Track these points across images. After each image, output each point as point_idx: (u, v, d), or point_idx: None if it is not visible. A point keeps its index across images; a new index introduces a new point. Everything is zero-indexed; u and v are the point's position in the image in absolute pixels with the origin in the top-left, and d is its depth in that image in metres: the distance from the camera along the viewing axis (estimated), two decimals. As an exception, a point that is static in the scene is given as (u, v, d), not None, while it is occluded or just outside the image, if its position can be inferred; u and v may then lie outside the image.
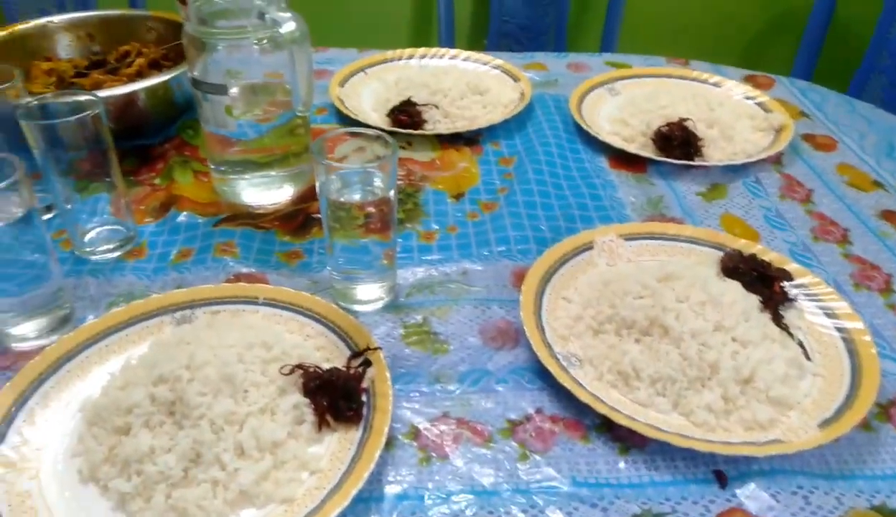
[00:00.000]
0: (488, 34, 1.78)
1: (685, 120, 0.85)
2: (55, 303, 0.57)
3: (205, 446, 0.46)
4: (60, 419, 0.50)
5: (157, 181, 0.79)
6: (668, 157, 0.82)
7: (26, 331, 0.57)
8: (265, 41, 0.66)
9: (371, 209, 0.57)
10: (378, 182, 0.58)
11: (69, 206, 0.65)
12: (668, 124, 0.85)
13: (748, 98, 0.96)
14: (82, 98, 0.63)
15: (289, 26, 0.62)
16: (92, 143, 0.63)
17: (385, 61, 1.04)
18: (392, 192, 0.57)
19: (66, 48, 0.95)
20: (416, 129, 0.88)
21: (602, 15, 1.68)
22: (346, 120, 0.89)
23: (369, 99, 0.96)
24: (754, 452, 0.48)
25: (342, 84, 0.97)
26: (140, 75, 0.91)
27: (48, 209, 0.71)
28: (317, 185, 0.57)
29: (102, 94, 0.74)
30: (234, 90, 0.68)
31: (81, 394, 0.52)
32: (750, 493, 0.47)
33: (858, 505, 0.46)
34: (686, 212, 0.76)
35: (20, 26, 0.92)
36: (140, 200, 0.76)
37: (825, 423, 0.50)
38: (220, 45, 0.66)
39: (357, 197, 0.58)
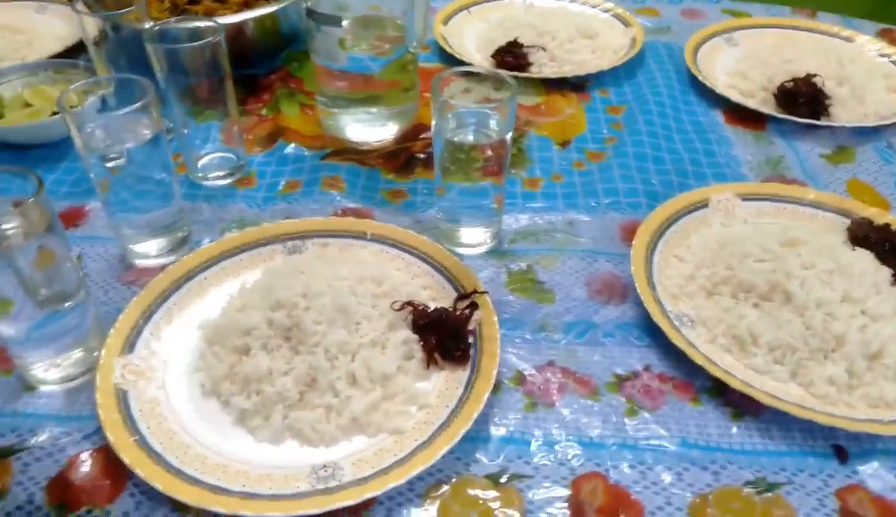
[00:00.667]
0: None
1: (812, 76, 0.79)
2: (176, 224, 0.60)
3: (320, 372, 0.47)
4: (182, 335, 0.52)
5: (263, 111, 0.80)
6: (791, 114, 0.77)
7: (149, 250, 0.59)
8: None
9: (489, 152, 0.55)
10: (494, 124, 0.56)
11: (185, 131, 0.67)
12: (794, 80, 0.79)
13: (883, 55, 0.88)
14: (204, 25, 0.63)
15: (409, -43, 0.61)
16: (210, 70, 0.63)
17: (488, 0, 1.01)
18: (509, 135, 0.56)
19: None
20: (521, 71, 0.85)
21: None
22: (449, 59, 0.87)
23: (472, 38, 0.94)
24: (880, 431, 0.45)
25: (445, 22, 0.95)
26: (247, 5, 0.91)
27: (167, 132, 0.73)
28: (432, 124, 0.56)
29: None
30: (346, 22, 0.67)
31: (200, 313, 0.54)
32: (873, 472, 0.44)
33: None
34: (808, 174, 0.71)
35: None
36: (248, 130, 0.77)
37: (961, 409, 0.46)
38: (338, -25, 0.65)
39: (471, 138, 0.57)
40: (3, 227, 0.44)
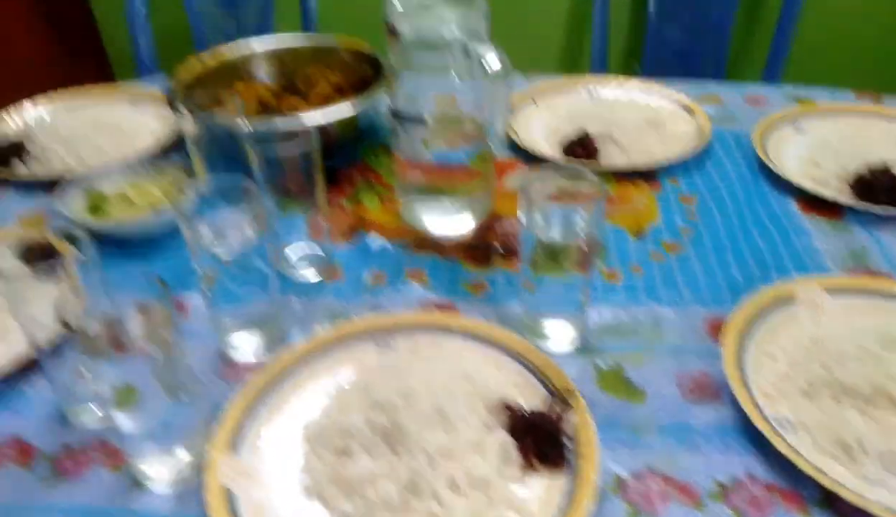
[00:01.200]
0: (642, 60, 1.75)
1: (891, 165, 0.79)
2: (274, 315, 0.62)
3: (422, 478, 0.47)
4: (281, 434, 0.53)
5: (344, 203, 0.83)
6: (871, 203, 0.77)
7: (248, 343, 0.61)
8: (465, 74, 0.68)
9: (582, 247, 0.56)
10: (580, 220, 0.58)
11: (274, 224, 0.70)
12: (870, 169, 0.79)
13: (958, 141, 0.88)
14: (298, 122, 0.67)
15: (494, 62, 0.64)
16: (302, 165, 0.67)
17: (553, 90, 1.04)
18: (598, 231, 0.57)
19: (262, 72, 1.02)
20: (591, 161, 0.87)
21: (767, 41, 1.60)
22: (518, 151, 0.90)
23: (541, 129, 0.96)
24: None
25: (513, 113, 0.98)
26: (326, 100, 0.96)
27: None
28: (521, 219, 0.58)
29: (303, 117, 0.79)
30: (430, 120, 0.70)
31: (297, 411, 0.55)
32: None
33: None
34: (895, 265, 0.70)
35: (224, 52, 1.01)
36: (330, 221, 0.80)
37: None
38: (423, 77, 0.69)
39: (562, 235, 0.58)
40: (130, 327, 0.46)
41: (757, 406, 0.53)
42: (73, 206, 0.78)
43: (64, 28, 2.02)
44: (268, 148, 0.66)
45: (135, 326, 0.46)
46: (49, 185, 0.87)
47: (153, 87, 1.08)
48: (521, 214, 0.58)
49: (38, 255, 0.70)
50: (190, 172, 0.82)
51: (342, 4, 1.67)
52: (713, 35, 1.69)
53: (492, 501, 0.47)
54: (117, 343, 0.46)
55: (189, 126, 0.76)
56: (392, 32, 0.68)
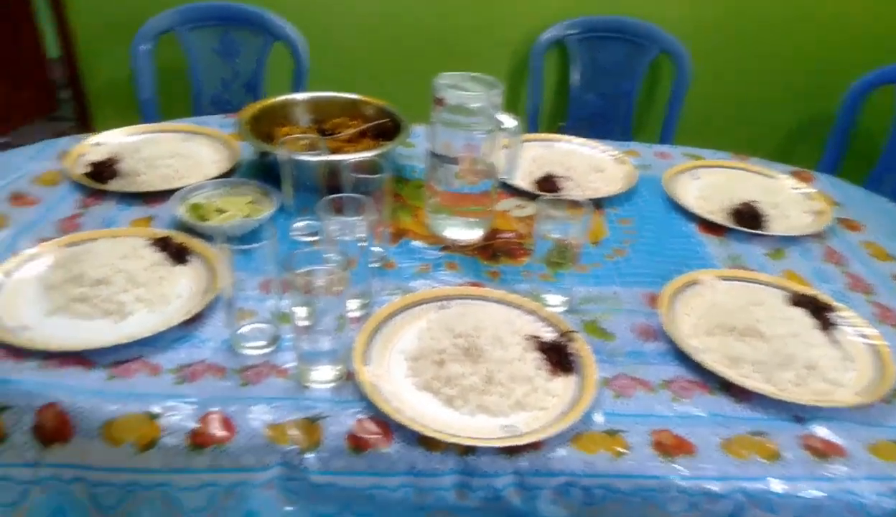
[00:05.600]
0: (567, 119, 2.15)
1: (754, 202, 1.18)
2: (367, 290, 0.89)
3: (493, 374, 0.77)
4: (390, 355, 0.81)
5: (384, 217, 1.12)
6: (742, 226, 1.15)
7: (354, 306, 0.88)
8: (485, 131, 1.00)
9: (575, 249, 0.89)
10: (573, 231, 0.90)
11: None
12: (742, 203, 1.18)
13: (794, 188, 1.30)
14: (371, 160, 0.96)
15: (511, 124, 0.97)
16: (373, 191, 0.96)
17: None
18: (585, 237, 0.90)
19: (298, 117, 1.29)
20: (556, 194, 1.21)
21: (662, 111, 2.05)
22: (506, 185, 1.23)
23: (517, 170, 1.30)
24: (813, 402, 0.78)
25: (493, 157, 1.31)
26: (350, 142, 1.25)
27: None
28: (536, 228, 0.90)
29: (346, 156, 1.08)
30: (461, 161, 1.01)
31: (396, 341, 0.83)
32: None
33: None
34: (759, 266, 1.08)
35: (269, 101, 1.28)
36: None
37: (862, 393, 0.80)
38: (456, 131, 1.00)
39: (566, 239, 0.90)
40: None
41: (681, 340, 0.87)
42: (180, 212, 1.02)
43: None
44: (359, 179, 0.93)
45: (320, 279, 0.73)
46: (139, 196, 1.10)
47: (208, 126, 1.33)
48: (538, 227, 0.90)
49: (164, 246, 0.95)
50: (265, 191, 1.09)
51: (328, 62, 1.96)
52: (622, 102, 2.13)
53: (535, 389, 0.78)
54: (308, 288, 0.73)
55: (285, 160, 1.02)
56: (438, 101, 0.99)
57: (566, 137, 1.41)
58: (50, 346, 0.77)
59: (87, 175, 1.13)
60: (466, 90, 0.99)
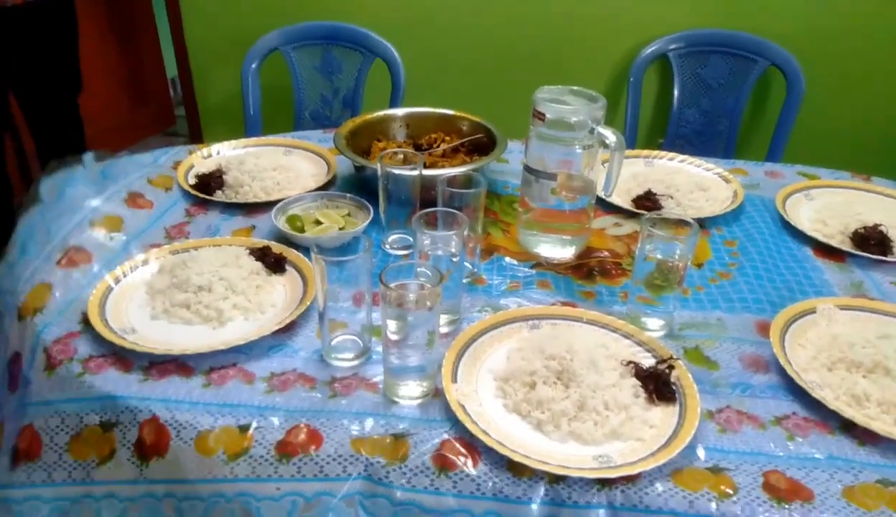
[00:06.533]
0: (666, 136, 2.07)
1: (879, 225, 1.08)
2: (457, 305, 0.88)
3: (587, 399, 0.73)
4: (476, 375, 0.79)
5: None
6: (865, 251, 1.05)
7: (444, 320, 0.87)
8: (584, 147, 0.97)
9: (681, 272, 0.84)
10: (678, 251, 0.85)
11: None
12: (864, 227, 1.08)
13: (927, 212, 1.18)
14: (466, 174, 0.95)
15: (612, 139, 0.93)
16: (466, 206, 0.94)
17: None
18: (690, 256, 0.84)
19: (395, 132, 1.31)
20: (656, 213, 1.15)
21: (770, 127, 1.93)
22: (602, 202, 1.18)
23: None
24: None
25: (589, 173, 1.27)
26: (445, 157, 1.25)
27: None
28: (637, 248, 0.85)
29: (440, 171, 1.07)
30: (558, 177, 0.98)
31: (485, 360, 0.81)
32: None
33: None
34: (884, 295, 0.98)
35: (367, 116, 1.30)
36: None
37: None
38: (556, 145, 0.97)
39: (669, 261, 0.85)
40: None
41: (797, 373, 0.80)
42: (279, 222, 1.05)
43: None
44: (455, 194, 0.92)
45: (412, 293, 0.72)
46: (241, 207, 1.14)
47: (308, 140, 1.37)
48: (639, 247, 0.85)
49: (262, 256, 0.97)
50: (360, 204, 1.10)
51: (425, 78, 1.99)
52: (725, 118, 2.03)
53: (631, 418, 0.73)
54: (400, 302, 0.72)
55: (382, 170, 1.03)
56: (537, 115, 0.97)
57: (667, 154, 1.35)
58: (154, 349, 0.80)
59: (195, 186, 1.18)
60: (566, 104, 0.96)
